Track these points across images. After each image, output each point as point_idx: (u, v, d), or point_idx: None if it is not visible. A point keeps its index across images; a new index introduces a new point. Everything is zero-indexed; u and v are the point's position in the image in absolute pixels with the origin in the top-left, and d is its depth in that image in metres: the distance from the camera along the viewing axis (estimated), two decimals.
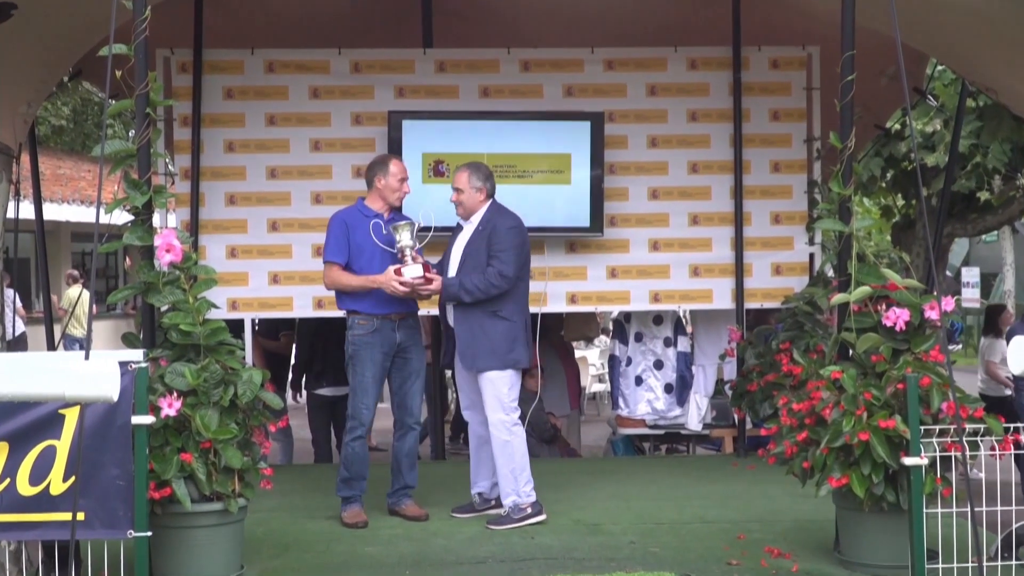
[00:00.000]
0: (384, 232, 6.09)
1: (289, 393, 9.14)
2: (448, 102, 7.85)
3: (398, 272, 5.99)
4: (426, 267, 6.05)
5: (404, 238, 6.00)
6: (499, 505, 6.14)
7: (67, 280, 17.42)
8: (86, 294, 14.91)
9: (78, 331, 15.23)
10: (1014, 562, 5.00)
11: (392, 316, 6.10)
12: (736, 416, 8.04)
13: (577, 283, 7.95)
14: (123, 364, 4.58)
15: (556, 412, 9.05)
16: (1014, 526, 5.03)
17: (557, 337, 9.56)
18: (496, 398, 6.05)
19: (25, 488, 4.54)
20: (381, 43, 7.98)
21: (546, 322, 7.86)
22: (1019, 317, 10.25)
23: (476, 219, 6.17)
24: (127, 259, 20.45)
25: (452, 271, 6.15)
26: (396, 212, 6.36)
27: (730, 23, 7.95)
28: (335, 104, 7.81)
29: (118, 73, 4.86)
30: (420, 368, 6.25)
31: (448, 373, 9.71)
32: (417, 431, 6.26)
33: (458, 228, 6.30)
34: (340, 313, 6.29)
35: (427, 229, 6.16)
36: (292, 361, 9.18)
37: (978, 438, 4.90)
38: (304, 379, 8.93)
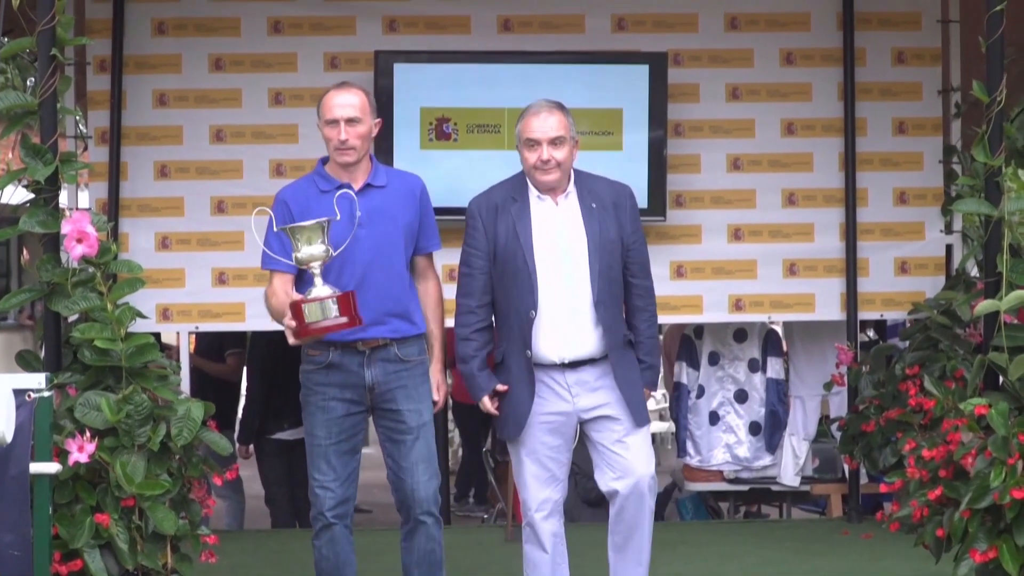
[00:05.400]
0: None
1: (238, 446, 8.90)
2: (456, 38, 7.89)
3: (297, 308, 5.03)
4: (344, 300, 5.05)
5: (305, 248, 5.05)
6: None
7: None
8: None
9: None
10: None
11: (359, 344, 5.29)
12: (847, 466, 8.05)
13: None
14: (19, 393, 4.64)
15: None
16: None
17: None
18: (650, 452, 5.55)
19: None
20: None
21: None
22: None
23: (571, 191, 5.46)
24: (24, 252, 20.53)
25: (576, 294, 5.34)
26: (393, 174, 5.56)
27: None
28: (303, 41, 7.86)
29: (14, 2, 4.93)
30: (421, 424, 5.40)
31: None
32: (430, 523, 5.39)
33: (516, 205, 5.40)
34: None
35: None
36: (243, 396, 9.11)
37: None
38: (259, 423, 8.74)
